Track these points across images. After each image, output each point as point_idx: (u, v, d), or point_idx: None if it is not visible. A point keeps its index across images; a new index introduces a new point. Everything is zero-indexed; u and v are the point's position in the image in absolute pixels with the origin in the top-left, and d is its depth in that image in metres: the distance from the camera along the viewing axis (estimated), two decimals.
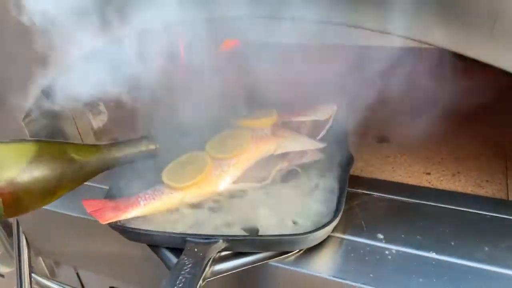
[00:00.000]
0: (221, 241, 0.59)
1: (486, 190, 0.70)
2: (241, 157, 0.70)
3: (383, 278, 0.57)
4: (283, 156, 0.74)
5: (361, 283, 0.57)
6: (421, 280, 0.56)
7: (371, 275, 0.57)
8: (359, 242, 0.62)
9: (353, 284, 0.57)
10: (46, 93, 0.73)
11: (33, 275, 0.90)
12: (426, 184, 0.73)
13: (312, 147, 0.75)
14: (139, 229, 0.63)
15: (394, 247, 0.61)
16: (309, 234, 0.59)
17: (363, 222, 0.65)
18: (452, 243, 0.60)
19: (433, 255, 0.59)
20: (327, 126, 0.76)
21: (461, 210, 0.66)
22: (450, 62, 0.97)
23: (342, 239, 0.63)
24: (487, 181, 0.72)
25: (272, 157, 0.73)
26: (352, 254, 0.61)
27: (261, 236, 0.61)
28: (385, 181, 0.74)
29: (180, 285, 0.52)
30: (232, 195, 0.69)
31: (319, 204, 0.66)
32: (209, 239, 0.59)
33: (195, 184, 0.67)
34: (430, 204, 0.67)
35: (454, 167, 0.75)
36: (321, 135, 0.76)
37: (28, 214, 0.80)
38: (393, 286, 0.56)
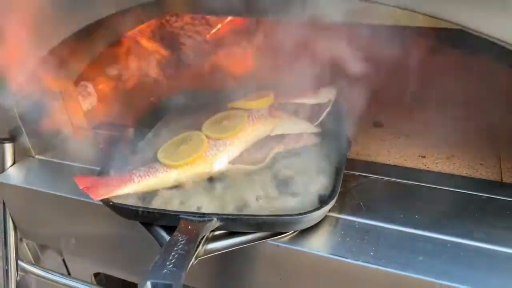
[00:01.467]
0: (215, 219, 0.58)
1: (481, 172, 0.71)
2: (237, 137, 0.70)
3: (383, 256, 0.57)
4: (279, 139, 0.73)
5: (362, 261, 0.56)
6: (421, 258, 0.56)
7: (371, 253, 0.57)
8: (359, 222, 0.62)
9: (354, 262, 0.57)
10: None
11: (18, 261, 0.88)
12: (422, 167, 0.73)
13: (309, 130, 0.74)
14: (132, 206, 0.62)
15: (393, 227, 0.61)
16: (303, 216, 0.58)
17: (361, 203, 0.65)
18: (450, 223, 0.61)
19: (432, 234, 0.59)
20: (326, 111, 0.75)
21: (457, 191, 0.66)
22: (445, 48, 0.98)
23: (342, 219, 0.63)
24: (481, 164, 0.72)
25: (268, 140, 0.73)
26: (352, 233, 0.61)
27: (255, 215, 0.60)
28: (382, 163, 0.74)
29: (173, 261, 0.52)
30: (227, 175, 0.68)
31: (315, 186, 0.66)
32: (203, 217, 0.58)
33: (190, 162, 0.66)
34: (427, 186, 0.67)
35: (448, 150, 0.76)
36: (320, 119, 0.75)
37: (15, 195, 0.78)
38: (393, 264, 0.56)
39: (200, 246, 0.57)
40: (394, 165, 0.74)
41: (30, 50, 0.70)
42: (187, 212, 0.60)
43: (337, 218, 0.63)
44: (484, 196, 0.65)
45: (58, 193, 0.73)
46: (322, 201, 0.62)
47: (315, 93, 0.76)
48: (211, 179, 0.68)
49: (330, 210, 0.64)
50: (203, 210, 0.62)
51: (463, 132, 0.78)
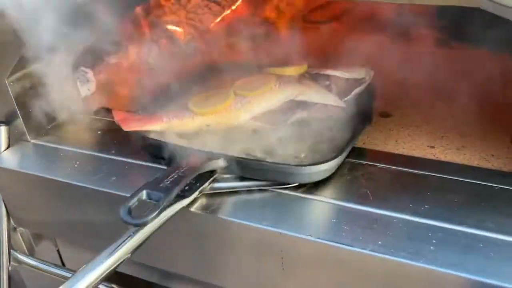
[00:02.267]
0: (222, 159, 0.63)
1: (493, 163, 0.68)
2: (262, 95, 0.75)
3: (392, 245, 0.54)
4: (304, 106, 0.76)
5: (370, 250, 0.54)
6: (432, 248, 0.54)
7: (379, 242, 0.55)
8: (366, 211, 0.60)
9: (362, 251, 0.54)
10: None
11: (11, 251, 0.85)
12: (431, 157, 0.71)
13: (334, 103, 0.76)
14: (151, 139, 0.70)
15: (402, 216, 0.58)
16: (303, 167, 0.63)
17: (368, 192, 0.63)
18: (462, 213, 0.58)
19: (442, 224, 0.57)
20: (359, 89, 0.76)
21: (468, 181, 0.64)
22: (454, 37, 0.96)
23: (348, 207, 0.61)
24: (492, 155, 0.70)
25: (293, 106, 0.76)
26: (359, 222, 0.58)
27: (258, 160, 0.66)
28: (390, 153, 0.72)
29: (171, 179, 0.58)
30: (248, 129, 0.74)
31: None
32: (211, 155, 0.64)
33: (214, 112, 0.74)
34: (437, 176, 0.65)
35: (458, 141, 0.74)
36: (349, 96, 0.76)
37: (9, 179, 0.75)
38: (403, 253, 0.53)
39: (206, 184, 0.62)
40: (402, 155, 0.71)
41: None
42: (197, 150, 0.65)
43: (344, 207, 0.61)
44: (497, 187, 0.62)
45: (53, 178, 0.71)
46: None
47: (350, 68, 0.77)
48: (231, 131, 0.73)
49: (337, 199, 0.62)
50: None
51: (473, 123, 0.76)
